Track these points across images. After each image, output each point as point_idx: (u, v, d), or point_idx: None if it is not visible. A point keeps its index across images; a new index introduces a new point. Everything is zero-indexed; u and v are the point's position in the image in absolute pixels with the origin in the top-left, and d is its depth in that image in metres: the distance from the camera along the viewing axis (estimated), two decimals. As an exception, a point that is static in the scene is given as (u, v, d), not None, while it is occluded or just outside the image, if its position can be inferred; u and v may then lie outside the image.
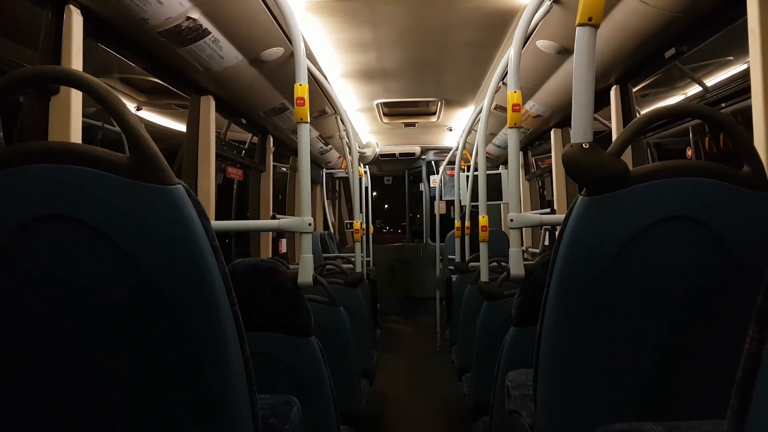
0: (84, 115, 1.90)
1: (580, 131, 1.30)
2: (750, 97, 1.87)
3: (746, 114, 2.00)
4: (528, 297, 2.08)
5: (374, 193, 7.94)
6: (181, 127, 3.86)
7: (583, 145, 1.23)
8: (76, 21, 1.84)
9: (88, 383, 1.02)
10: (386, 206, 9.18)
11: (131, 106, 3.90)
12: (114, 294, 0.98)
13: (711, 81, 3.42)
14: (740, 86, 2.24)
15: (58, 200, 0.95)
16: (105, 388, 1.03)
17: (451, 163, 5.86)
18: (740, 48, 3.07)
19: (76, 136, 1.85)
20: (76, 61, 1.86)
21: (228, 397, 1.07)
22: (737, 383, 0.52)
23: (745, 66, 3.32)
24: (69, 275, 0.97)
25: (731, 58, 3.36)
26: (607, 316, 1.25)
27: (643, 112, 3.45)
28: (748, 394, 0.51)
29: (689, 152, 3.94)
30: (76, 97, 1.84)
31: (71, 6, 1.83)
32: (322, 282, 2.49)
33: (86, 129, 1.94)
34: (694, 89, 3.73)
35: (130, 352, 1.01)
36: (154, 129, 4.08)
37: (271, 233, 4.35)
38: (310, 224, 2.04)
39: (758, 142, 1.80)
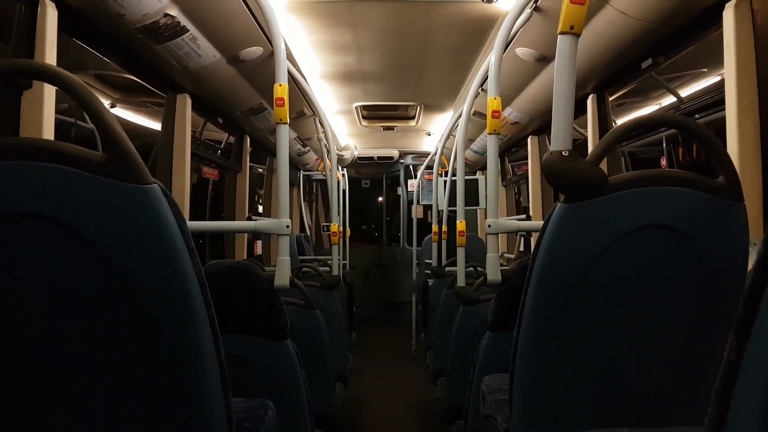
0: (56, 112, 1.87)
1: (559, 139, 1.31)
2: (723, 109, 1.90)
3: (718, 125, 2.03)
4: (504, 302, 2.08)
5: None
6: (156, 125, 3.82)
7: (563, 153, 1.24)
8: (50, 15, 1.81)
9: (61, 382, 1.00)
10: (363, 209, 9.18)
11: (105, 103, 3.85)
12: (88, 293, 0.96)
13: (685, 92, 3.47)
14: (714, 98, 2.27)
15: (31, 198, 0.93)
16: (77, 388, 1.01)
17: (429, 167, 5.87)
18: (714, 60, 3.12)
19: (48, 133, 1.81)
20: (50, 56, 1.82)
21: (202, 400, 1.06)
22: (715, 390, 0.53)
23: (718, 78, 3.37)
24: (41, 274, 0.95)
25: (705, 70, 3.41)
26: (584, 322, 1.26)
27: (619, 121, 3.49)
28: (726, 401, 0.52)
29: (663, 162, 4.00)
30: (50, 92, 1.81)
31: (45, 0, 1.80)
32: (298, 285, 2.47)
33: (59, 126, 1.90)
34: (669, 99, 3.78)
35: (103, 353, 1.00)
36: (128, 127, 4.03)
37: (246, 234, 4.31)
38: (287, 226, 2.02)
39: (731, 153, 1.83)
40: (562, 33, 1.32)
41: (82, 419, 1.02)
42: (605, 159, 3.11)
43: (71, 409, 1.02)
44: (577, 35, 1.31)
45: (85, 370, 1.00)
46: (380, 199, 8.96)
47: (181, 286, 0.99)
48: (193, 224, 2.32)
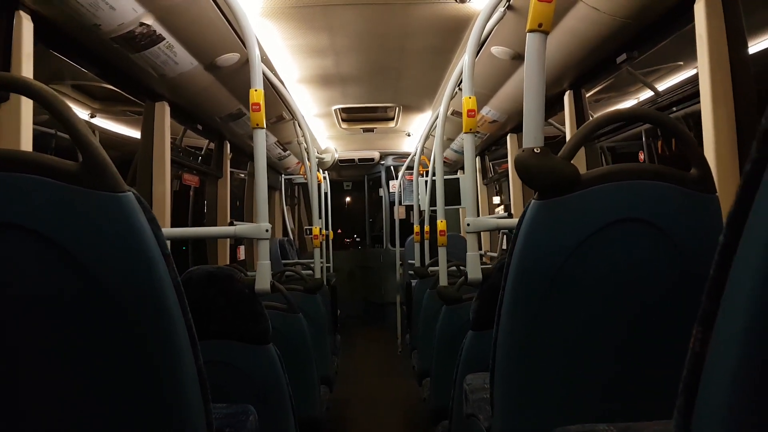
0: (37, 123, 1.86)
1: (531, 136, 1.33)
2: (699, 101, 1.92)
3: (696, 117, 2.05)
4: (485, 301, 2.09)
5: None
6: (136, 133, 3.80)
7: (535, 150, 1.25)
8: (26, 27, 1.80)
9: (37, 389, 1.00)
10: (346, 211, 9.18)
11: (84, 113, 3.82)
12: (63, 303, 0.96)
13: (662, 86, 3.50)
14: (691, 90, 2.29)
15: (4, 208, 0.93)
16: (53, 395, 1.00)
17: (410, 168, 5.88)
18: (690, 52, 3.16)
19: (26, 144, 1.81)
20: (26, 68, 1.81)
21: (181, 406, 1.06)
22: (682, 382, 0.53)
23: (695, 71, 3.41)
24: (16, 283, 0.95)
25: (681, 63, 3.45)
26: (561, 318, 1.27)
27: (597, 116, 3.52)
28: (693, 392, 0.52)
29: (641, 155, 4.04)
30: (27, 104, 1.80)
31: (21, 12, 1.79)
32: (280, 288, 2.46)
33: (39, 137, 1.89)
34: (646, 94, 3.82)
35: (80, 362, 0.99)
36: (108, 136, 4.00)
37: (228, 240, 4.30)
38: (267, 230, 2.02)
39: (707, 145, 1.85)
40: (530, 31, 1.33)
41: (58, 426, 1.02)
42: (584, 155, 3.16)
43: (47, 416, 1.01)
44: (546, 33, 1.33)
45: (61, 377, 1.00)
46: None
47: (156, 292, 0.99)
48: (172, 231, 2.31)
